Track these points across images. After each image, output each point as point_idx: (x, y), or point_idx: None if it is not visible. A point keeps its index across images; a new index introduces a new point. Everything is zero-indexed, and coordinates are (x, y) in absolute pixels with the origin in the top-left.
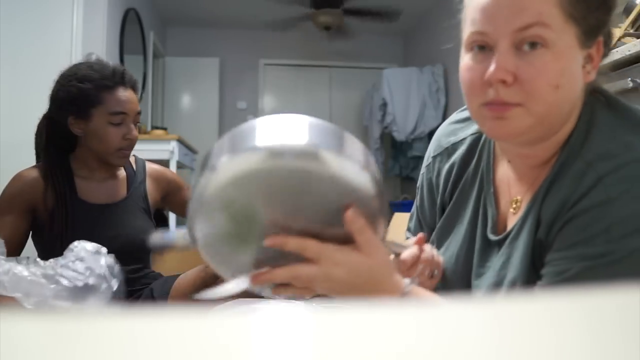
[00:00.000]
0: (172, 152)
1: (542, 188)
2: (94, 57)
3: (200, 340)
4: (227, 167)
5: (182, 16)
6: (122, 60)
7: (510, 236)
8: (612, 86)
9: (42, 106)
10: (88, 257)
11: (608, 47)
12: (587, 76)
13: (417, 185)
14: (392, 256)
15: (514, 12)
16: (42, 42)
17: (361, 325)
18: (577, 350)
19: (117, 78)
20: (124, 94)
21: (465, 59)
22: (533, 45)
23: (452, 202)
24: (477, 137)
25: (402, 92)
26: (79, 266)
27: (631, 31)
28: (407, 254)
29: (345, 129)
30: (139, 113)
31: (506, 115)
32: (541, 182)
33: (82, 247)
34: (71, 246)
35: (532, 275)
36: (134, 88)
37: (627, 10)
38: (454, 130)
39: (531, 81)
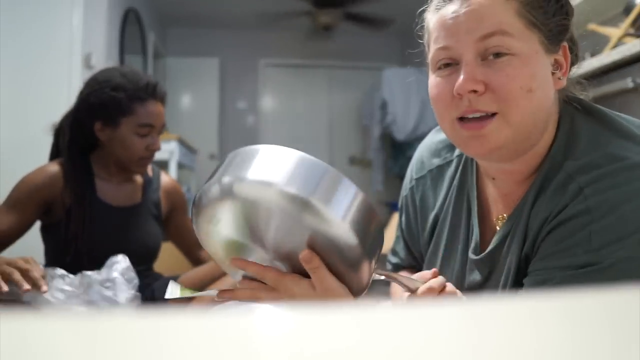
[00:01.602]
0: (172, 152)
1: (524, 203)
2: (93, 58)
3: (201, 340)
4: (214, 188)
5: (182, 16)
6: (122, 60)
7: (488, 252)
8: (612, 86)
9: (42, 106)
10: (125, 271)
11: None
12: (558, 82)
13: (399, 206)
14: (405, 293)
15: (475, 23)
16: (42, 42)
17: (361, 325)
18: (551, 351)
19: (149, 90)
20: (154, 107)
21: (433, 78)
22: (498, 55)
23: (445, 228)
24: (464, 159)
25: (402, 92)
26: (120, 283)
27: (631, 31)
28: (435, 282)
29: (343, 174)
30: (164, 125)
31: (483, 131)
32: (521, 197)
33: (119, 262)
34: (109, 262)
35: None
36: (162, 101)
37: (627, 10)
38: (437, 151)
39: (503, 87)
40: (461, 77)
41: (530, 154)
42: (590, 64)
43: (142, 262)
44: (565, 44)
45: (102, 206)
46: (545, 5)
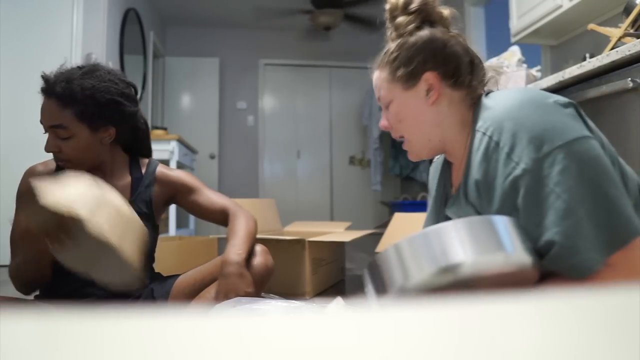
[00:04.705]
0: (172, 152)
1: (465, 168)
2: (93, 58)
3: (201, 340)
4: (433, 272)
5: (182, 16)
6: (122, 60)
7: (454, 206)
8: (612, 86)
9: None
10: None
11: (445, 71)
12: (431, 99)
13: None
14: None
15: (374, 88)
16: (42, 42)
17: (360, 325)
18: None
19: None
20: (44, 103)
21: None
22: (387, 105)
23: (433, 192)
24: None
25: None
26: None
27: (631, 31)
28: None
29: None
30: (52, 125)
31: (407, 147)
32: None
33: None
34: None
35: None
36: (53, 96)
37: (627, 10)
38: None
39: (391, 123)
40: (380, 121)
41: (456, 143)
42: (590, 64)
43: None
44: (428, 72)
45: None
46: (398, 62)
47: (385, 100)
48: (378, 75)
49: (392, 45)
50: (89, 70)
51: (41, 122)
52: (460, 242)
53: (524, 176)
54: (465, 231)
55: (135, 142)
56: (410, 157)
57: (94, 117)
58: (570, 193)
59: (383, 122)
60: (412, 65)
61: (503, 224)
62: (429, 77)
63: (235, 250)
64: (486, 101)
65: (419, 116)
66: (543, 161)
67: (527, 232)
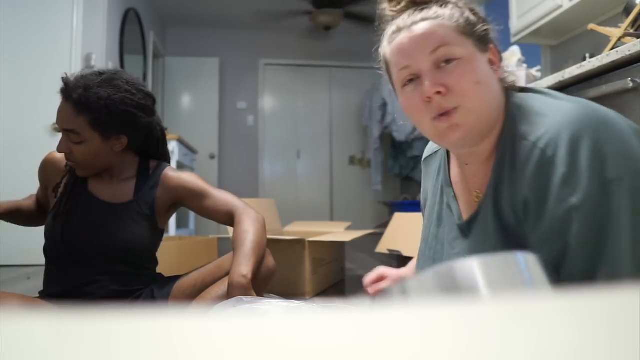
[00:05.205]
0: (172, 152)
1: (494, 174)
2: (93, 58)
3: (202, 339)
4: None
5: (182, 16)
6: (122, 60)
7: (477, 219)
8: (612, 86)
9: (42, 106)
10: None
11: (499, 52)
12: (497, 73)
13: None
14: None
15: (423, 42)
16: (42, 42)
17: (360, 325)
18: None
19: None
20: (60, 106)
21: (403, 96)
22: (447, 61)
23: (435, 205)
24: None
25: None
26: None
27: (631, 31)
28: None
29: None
30: (66, 130)
31: (454, 120)
32: (490, 171)
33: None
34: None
35: (507, 244)
36: (69, 99)
37: (627, 10)
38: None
39: (457, 84)
40: (426, 84)
41: (491, 135)
42: (590, 64)
43: (128, 261)
44: (492, 45)
45: (89, 197)
46: (470, 18)
47: (454, 53)
48: (438, 23)
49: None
50: (108, 79)
51: (56, 122)
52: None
53: (582, 208)
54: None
55: (149, 148)
56: (455, 137)
57: (107, 126)
58: (635, 231)
59: (436, 83)
60: (483, 28)
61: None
62: (493, 49)
63: (240, 272)
64: (529, 101)
65: (493, 85)
66: (606, 191)
67: (573, 265)
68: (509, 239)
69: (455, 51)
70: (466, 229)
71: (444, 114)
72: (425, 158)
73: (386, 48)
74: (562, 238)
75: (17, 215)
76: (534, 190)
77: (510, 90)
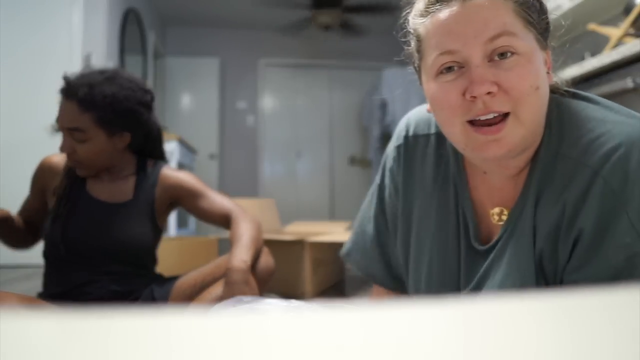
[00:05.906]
0: (172, 152)
1: (526, 196)
2: (93, 58)
3: (201, 340)
4: None
5: (182, 16)
6: (122, 60)
7: (499, 245)
8: (612, 86)
9: (42, 106)
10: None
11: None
12: (549, 77)
13: (381, 177)
14: None
15: (481, 25)
16: (42, 42)
17: (361, 324)
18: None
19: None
20: (61, 104)
21: (435, 85)
22: (502, 55)
23: (431, 217)
24: (441, 139)
25: (402, 92)
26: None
27: (631, 31)
28: None
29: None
30: (68, 128)
31: (500, 135)
32: (522, 189)
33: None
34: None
35: (537, 281)
36: (70, 98)
37: (627, 10)
38: (428, 120)
39: (515, 87)
40: (474, 79)
41: (526, 151)
42: (590, 64)
43: (128, 261)
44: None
45: (88, 198)
46: (535, 4)
47: (516, 46)
48: (500, 2)
49: None
50: (111, 77)
51: (57, 121)
52: None
53: None
54: None
55: (147, 146)
56: (495, 152)
57: (112, 123)
58: None
59: (489, 81)
60: (547, 20)
61: None
62: (548, 53)
63: (240, 257)
64: (579, 112)
65: (545, 87)
66: None
67: None
68: (538, 267)
69: (517, 44)
70: (486, 251)
71: (488, 124)
72: (402, 143)
73: (421, 21)
74: (616, 278)
75: (4, 225)
76: (594, 225)
77: (554, 93)
